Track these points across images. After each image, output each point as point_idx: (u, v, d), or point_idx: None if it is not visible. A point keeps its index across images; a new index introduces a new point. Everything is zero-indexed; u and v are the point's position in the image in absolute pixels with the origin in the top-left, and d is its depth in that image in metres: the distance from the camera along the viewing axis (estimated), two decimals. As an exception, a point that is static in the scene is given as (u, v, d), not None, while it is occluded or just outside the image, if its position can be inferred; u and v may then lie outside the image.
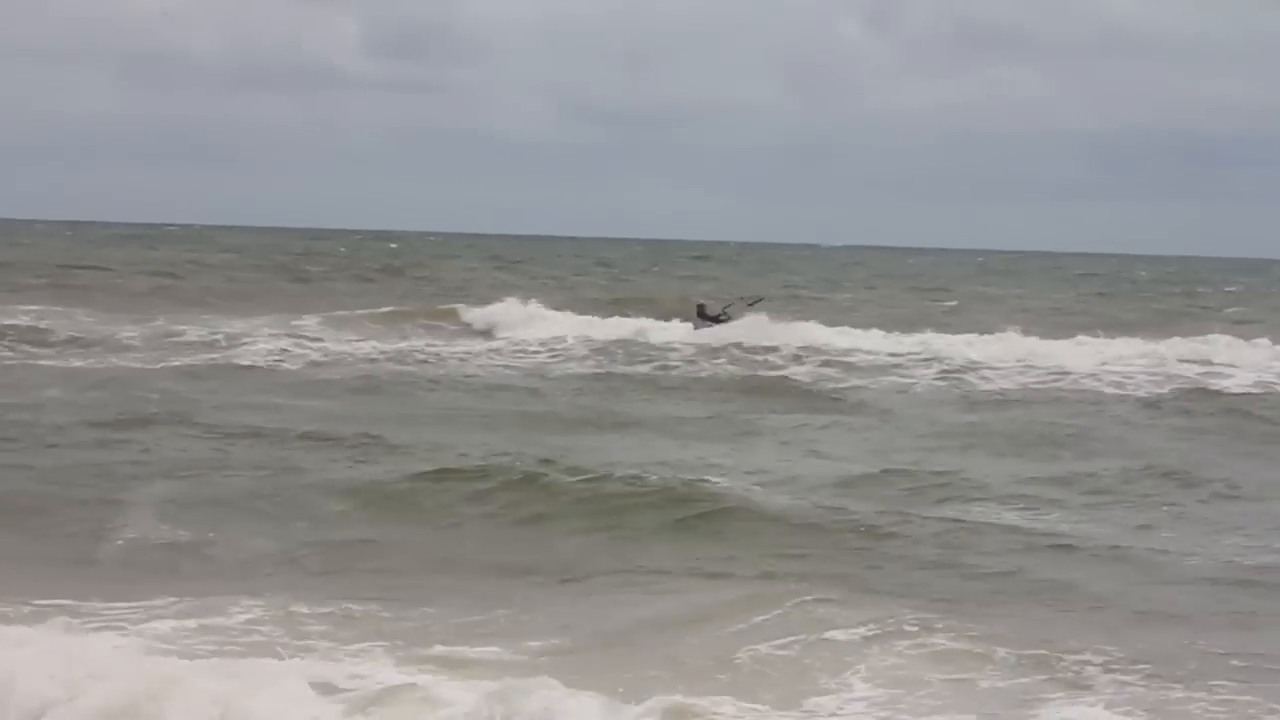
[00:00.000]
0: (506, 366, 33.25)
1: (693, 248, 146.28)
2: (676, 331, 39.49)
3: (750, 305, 40.92)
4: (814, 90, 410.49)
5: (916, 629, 11.64)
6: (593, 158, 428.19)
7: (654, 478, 17.73)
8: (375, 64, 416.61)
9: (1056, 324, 45.43)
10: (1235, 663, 11.34)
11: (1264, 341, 39.78)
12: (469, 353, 35.54)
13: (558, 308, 45.26)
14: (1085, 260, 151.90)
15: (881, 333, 40.36)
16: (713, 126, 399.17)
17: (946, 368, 34.04)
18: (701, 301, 42.33)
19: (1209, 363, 36.17)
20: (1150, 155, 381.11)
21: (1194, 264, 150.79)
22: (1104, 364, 34.91)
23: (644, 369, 33.18)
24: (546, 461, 18.65)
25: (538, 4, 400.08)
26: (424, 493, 17.41)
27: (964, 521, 16.53)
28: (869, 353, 36.55)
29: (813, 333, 39.08)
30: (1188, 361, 36.14)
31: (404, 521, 16.36)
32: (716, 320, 39.57)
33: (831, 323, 41.72)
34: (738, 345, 36.40)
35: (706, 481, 17.83)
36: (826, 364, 34.38)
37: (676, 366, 33.63)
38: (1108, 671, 10.90)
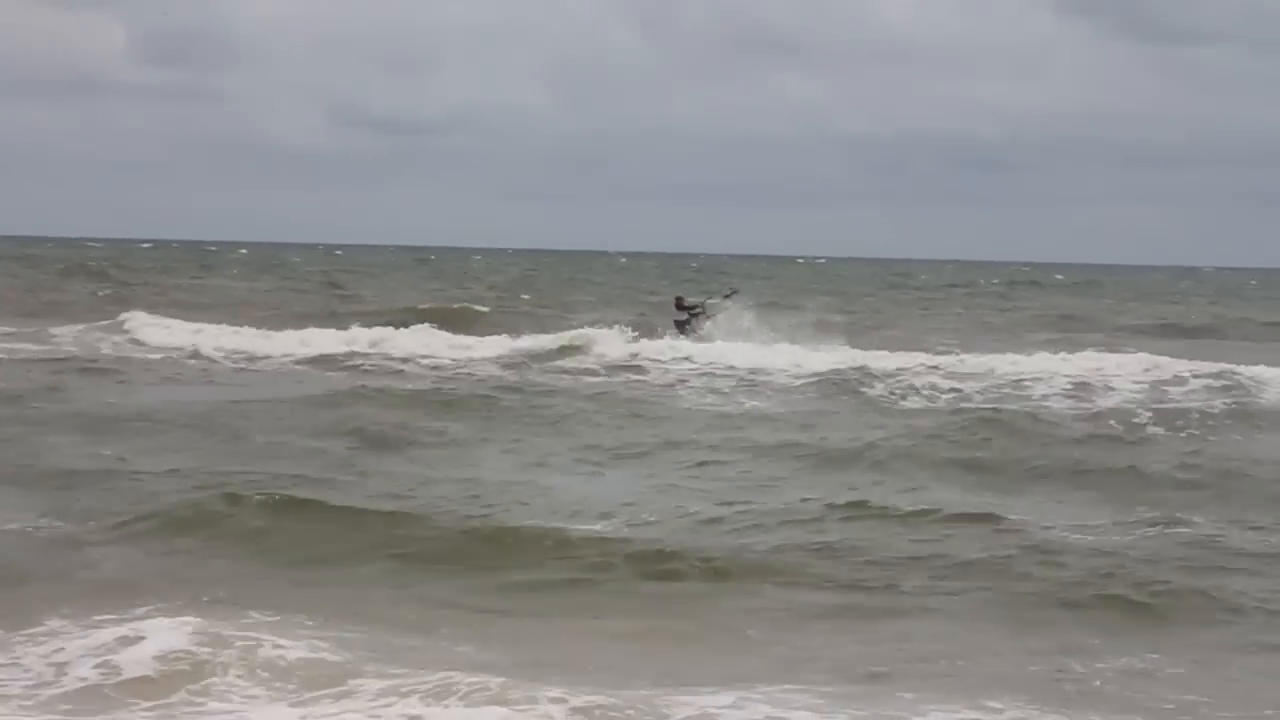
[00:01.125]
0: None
1: (461, 255, 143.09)
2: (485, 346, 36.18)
3: (726, 298, 39.63)
4: (587, 96, 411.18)
5: None
6: (363, 165, 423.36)
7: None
8: (143, 71, 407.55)
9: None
10: None
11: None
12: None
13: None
14: (861, 265, 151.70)
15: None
16: (485, 133, 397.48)
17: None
18: (679, 295, 41.25)
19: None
20: (921, 159, 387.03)
21: (970, 268, 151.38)
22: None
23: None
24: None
25: (307, 11, 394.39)
26: None
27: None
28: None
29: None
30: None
31: None
32: (691, 311, 37.82)
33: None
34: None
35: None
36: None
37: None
38: None
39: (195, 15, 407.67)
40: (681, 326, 37.22)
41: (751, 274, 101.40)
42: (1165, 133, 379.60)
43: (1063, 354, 33.57)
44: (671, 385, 29.32)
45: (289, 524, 14.95)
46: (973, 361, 32.42)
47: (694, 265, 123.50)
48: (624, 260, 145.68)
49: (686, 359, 32.80)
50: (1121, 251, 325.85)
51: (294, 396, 25.13)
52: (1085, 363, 32.07)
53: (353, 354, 33.51)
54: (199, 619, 10.98)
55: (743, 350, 34.04)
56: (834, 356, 33.10)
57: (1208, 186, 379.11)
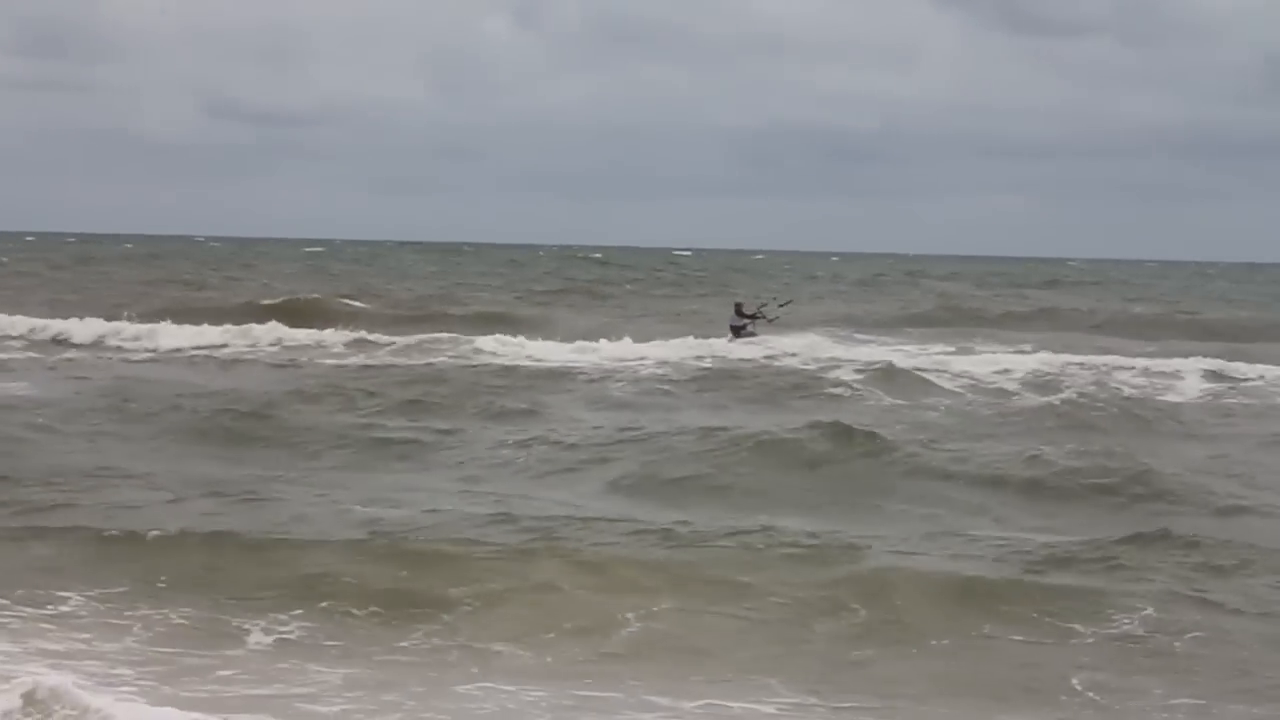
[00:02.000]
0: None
1: (340, 248, 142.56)
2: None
3: (782, 306, 41.38)
4: (462, 88, 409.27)
5: None
6: (239, 157, 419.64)
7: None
8: (12, 62, 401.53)
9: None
10: None
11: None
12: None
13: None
14: (734, 256, 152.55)
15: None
16: (361, 125, 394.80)
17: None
18: (739, 301, 42.38)
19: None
20: (794, 151, 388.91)
21: (851, 260, 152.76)
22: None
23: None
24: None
25: (179, 3, 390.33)
26: None
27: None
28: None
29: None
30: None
31: None
32: (752, 318, 39.78)
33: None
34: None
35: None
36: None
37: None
38: None
39: (66, 7, 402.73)
40: (738, 331, 39.22)
41: (634, 265, 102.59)
42: (1038, 124, 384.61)
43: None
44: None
45: None
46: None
47: (589, 256, 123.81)
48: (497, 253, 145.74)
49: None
50: (995, 243, 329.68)
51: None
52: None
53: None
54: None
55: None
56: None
57: (1079, 178, 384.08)
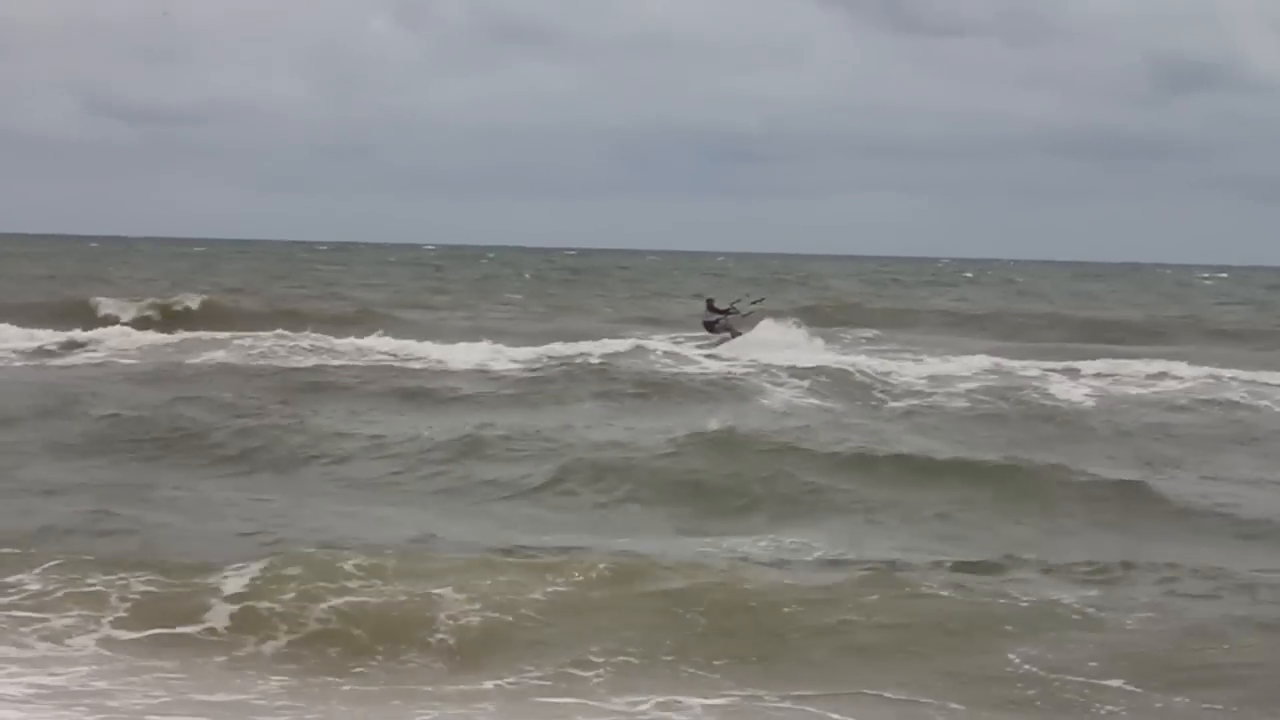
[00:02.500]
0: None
1: (223, 246, 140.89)
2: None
3: (755, 304, 41.39)
4: (346, 87, 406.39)
5: None
6: (121, 155, 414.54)
7: None
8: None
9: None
10: None
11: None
12: None
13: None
14: (621, 255, 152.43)
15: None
16: (244, 125, 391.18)
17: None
18: (710, 297, 42.53)
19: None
20: (678, 151, 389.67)
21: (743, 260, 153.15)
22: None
23: None
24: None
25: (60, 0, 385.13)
26: None
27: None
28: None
29: None
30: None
31: None
32: (725, 314, 40.00)
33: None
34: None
35: None
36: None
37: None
38: None
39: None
40: (710, 326, 39.51)
41: (517, 264, 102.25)
42: (922, 124, 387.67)
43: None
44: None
45: None
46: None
47: (486, 257, 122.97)
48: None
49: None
50: (880, 243, 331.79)
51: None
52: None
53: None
54: None
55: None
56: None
57: (964, 178, 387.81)
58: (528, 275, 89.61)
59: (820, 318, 47.80)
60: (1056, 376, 31.49)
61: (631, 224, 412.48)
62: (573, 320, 48.07)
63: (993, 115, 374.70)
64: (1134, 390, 30.00)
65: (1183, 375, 32.27)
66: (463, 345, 35.58)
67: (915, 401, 27.27)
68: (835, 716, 10.48)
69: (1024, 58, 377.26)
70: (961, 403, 27.06)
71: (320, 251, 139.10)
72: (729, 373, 30.50)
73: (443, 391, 27.78)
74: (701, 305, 41.77)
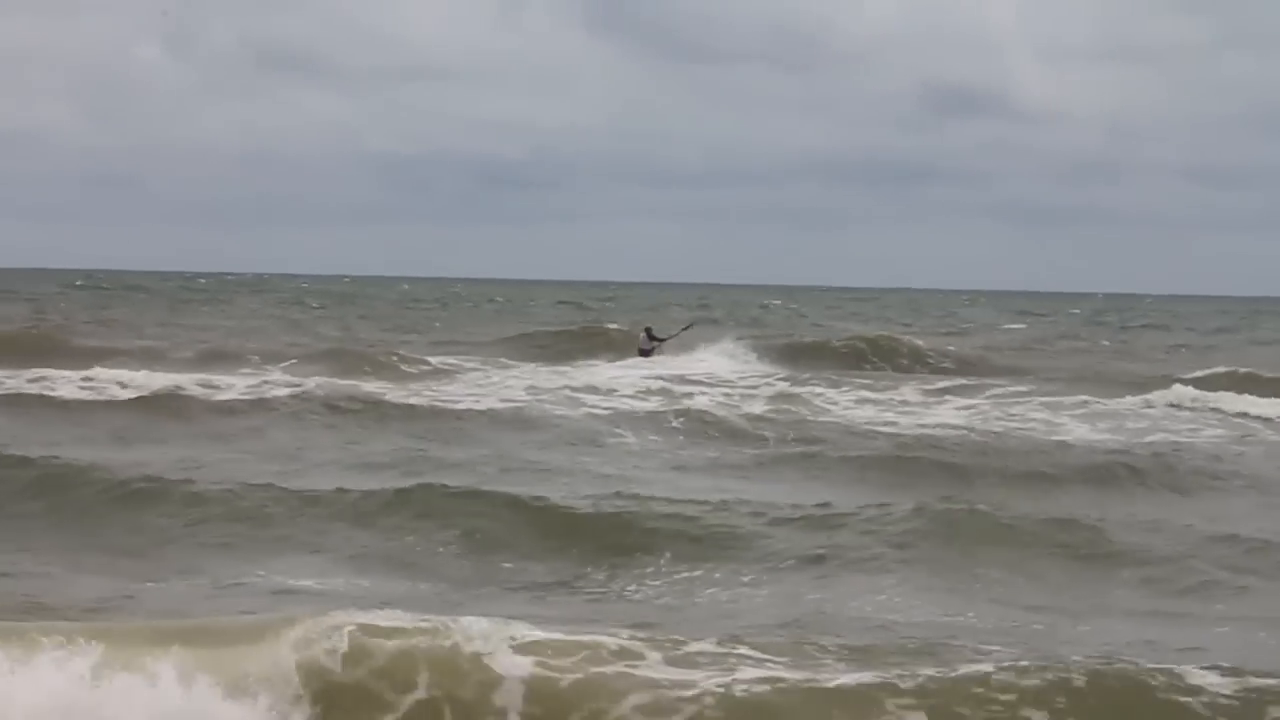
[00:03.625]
0: None
1: None
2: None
3: (684, 329, 42.99)
4: (113, 115, 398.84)
5: None
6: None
7: None
8: None
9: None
10: None
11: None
12: None
13: None
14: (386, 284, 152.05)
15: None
16: (9, 152, 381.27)
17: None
18: (649, 325, 44.32)
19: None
20: (448, 177, 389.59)
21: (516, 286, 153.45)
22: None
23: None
24: None
25: None
26: None
27: None
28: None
29: None
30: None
31: None
32: (662, 341, 41.71)
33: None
34: None
35: None
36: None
37: None
38: None
39: None
40: (646, 354, 41.07)
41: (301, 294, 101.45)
42: (690, 150, 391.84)
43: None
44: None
45: None
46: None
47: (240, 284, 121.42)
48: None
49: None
50: (645, 269, 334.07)
51: None
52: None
53: None
54: None
55: None
56: None
57: (730, 205, 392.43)
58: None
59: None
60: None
61: (400, 250, 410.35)
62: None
63: (763, 141, 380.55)
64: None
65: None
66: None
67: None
68: None
69: (795, 83, 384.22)
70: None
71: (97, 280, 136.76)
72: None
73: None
74: (641, 334, 42.90)
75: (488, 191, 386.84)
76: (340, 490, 17.92)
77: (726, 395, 32.46)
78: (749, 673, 9.68)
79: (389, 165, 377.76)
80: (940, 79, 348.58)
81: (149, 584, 14.22)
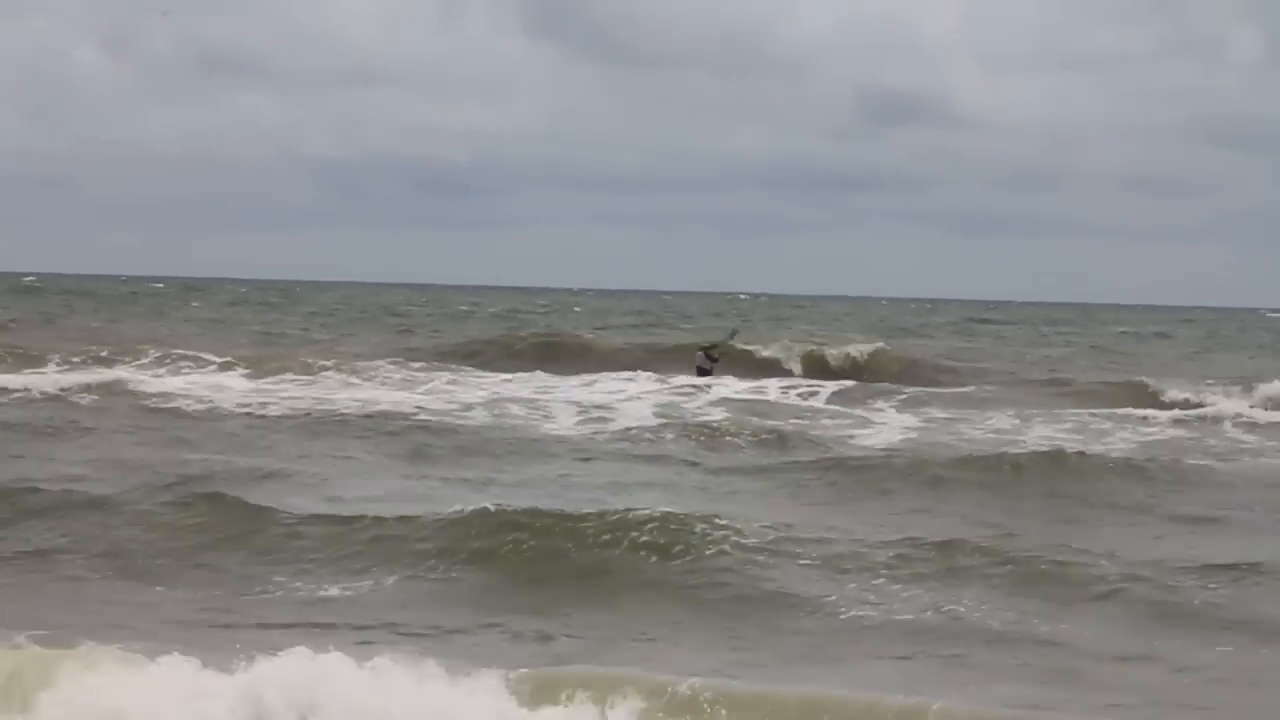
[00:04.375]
0: None
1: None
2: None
3: (730, 339, 41.66)
4: (51, 117, 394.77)
5: None
6: None
7: None
8: None
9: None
10: None
11: None
12: None
13: None
14: (326, 288, 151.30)
15: None
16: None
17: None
18: (705, 345, 41.79)
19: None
20: (388, 182, 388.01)
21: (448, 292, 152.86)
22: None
23: None
24: None
25: None
26: None
27: None
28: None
29: None
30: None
31: None
32: (716, 360, 39.83)
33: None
34: None
35: None
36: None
37: None
38: None
39: None
40: (706, 373, 38.98)
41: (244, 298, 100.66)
42: (629, 156, 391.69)
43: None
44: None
45: None
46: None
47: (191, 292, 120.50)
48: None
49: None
50: (587, 275, 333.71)
51: None
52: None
53: None
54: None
55: None
56: None
57: (670, 210, 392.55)
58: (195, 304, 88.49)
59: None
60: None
61: (338, 255, 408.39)
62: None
63: (704, 147, 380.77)
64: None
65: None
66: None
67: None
68: None
69: (734, 90, 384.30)
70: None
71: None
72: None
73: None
74: (699, 353, 40.75)
75: (427, 196, 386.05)
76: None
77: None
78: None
79: (327, 169, 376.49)
80: (880, 86, 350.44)
81: None
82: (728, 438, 26.55)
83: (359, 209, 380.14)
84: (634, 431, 27.26)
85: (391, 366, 40.14)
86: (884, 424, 30.51)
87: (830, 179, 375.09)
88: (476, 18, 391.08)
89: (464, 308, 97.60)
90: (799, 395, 36.20)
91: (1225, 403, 34.94)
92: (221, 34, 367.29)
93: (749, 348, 45.20)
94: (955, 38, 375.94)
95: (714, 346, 41.15)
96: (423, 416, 28.44)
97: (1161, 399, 36.14)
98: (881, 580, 14.87)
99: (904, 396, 35.69)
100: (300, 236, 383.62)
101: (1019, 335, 79.43)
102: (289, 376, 36.75)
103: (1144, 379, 39.72)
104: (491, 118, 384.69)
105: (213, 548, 16.28)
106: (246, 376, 36.45)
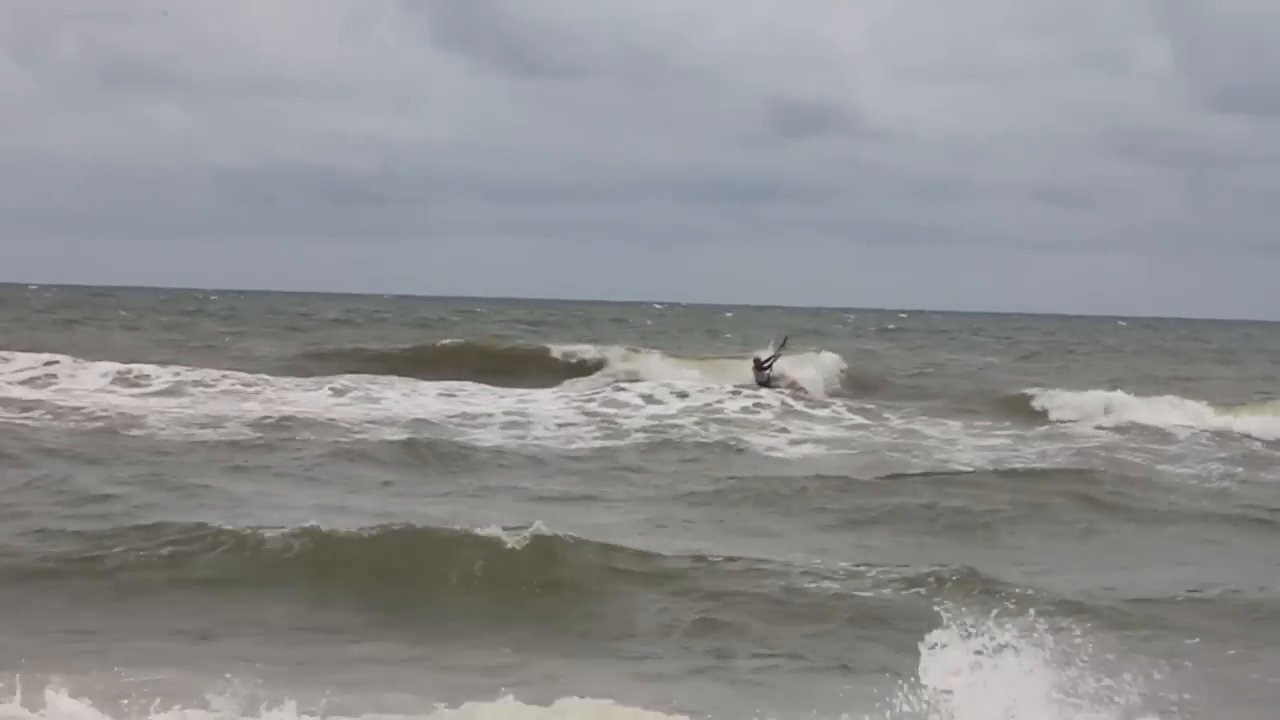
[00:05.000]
0: None
1: None
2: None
3: (782, 346, 41.97)
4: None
5: None
6: None
7: None
8: None
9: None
10: None
11: None
12: None
13: None
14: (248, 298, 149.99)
15: None
16: None
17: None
18: (757, 354, 42.44)
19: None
20: (295, 192, 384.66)
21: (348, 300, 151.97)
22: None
23: None
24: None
25: None
26: None
27: None
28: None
29: None
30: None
31: None
32: (769, 365, 40.83)
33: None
34: None
35: None
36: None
37: None
38: None
39: None
40: (764, 384, 39.78)
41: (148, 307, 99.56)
42: (538, 166, 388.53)
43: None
44: None
45: None
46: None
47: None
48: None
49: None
50: (496, 285, 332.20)
51: None
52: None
53: None
54: None
55: None
56: None
57: (581, 220, 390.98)
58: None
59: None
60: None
61: (245, 264, 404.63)
62: None
63: (611, 157, 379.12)
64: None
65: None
66: None
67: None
68: None
69: (646, 100, 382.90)
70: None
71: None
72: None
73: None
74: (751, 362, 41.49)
75: (335, 205, 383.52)
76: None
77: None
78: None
79: (235, 178, 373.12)
80: (789, 97, 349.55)
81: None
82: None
83: (267, 218, 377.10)
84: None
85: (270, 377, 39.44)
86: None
87: (739, 189, 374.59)
88: (386, 28, 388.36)
89: (335, 317, 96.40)
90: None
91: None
92: (129, 43, 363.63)
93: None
94: (865, 49, 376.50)
95: (773, 358, 41.44)
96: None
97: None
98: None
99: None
100: (208, 245, 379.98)
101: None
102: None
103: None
104: (401, 127, 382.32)
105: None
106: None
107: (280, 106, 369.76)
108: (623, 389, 37.70)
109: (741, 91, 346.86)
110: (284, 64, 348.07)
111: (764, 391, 38.66)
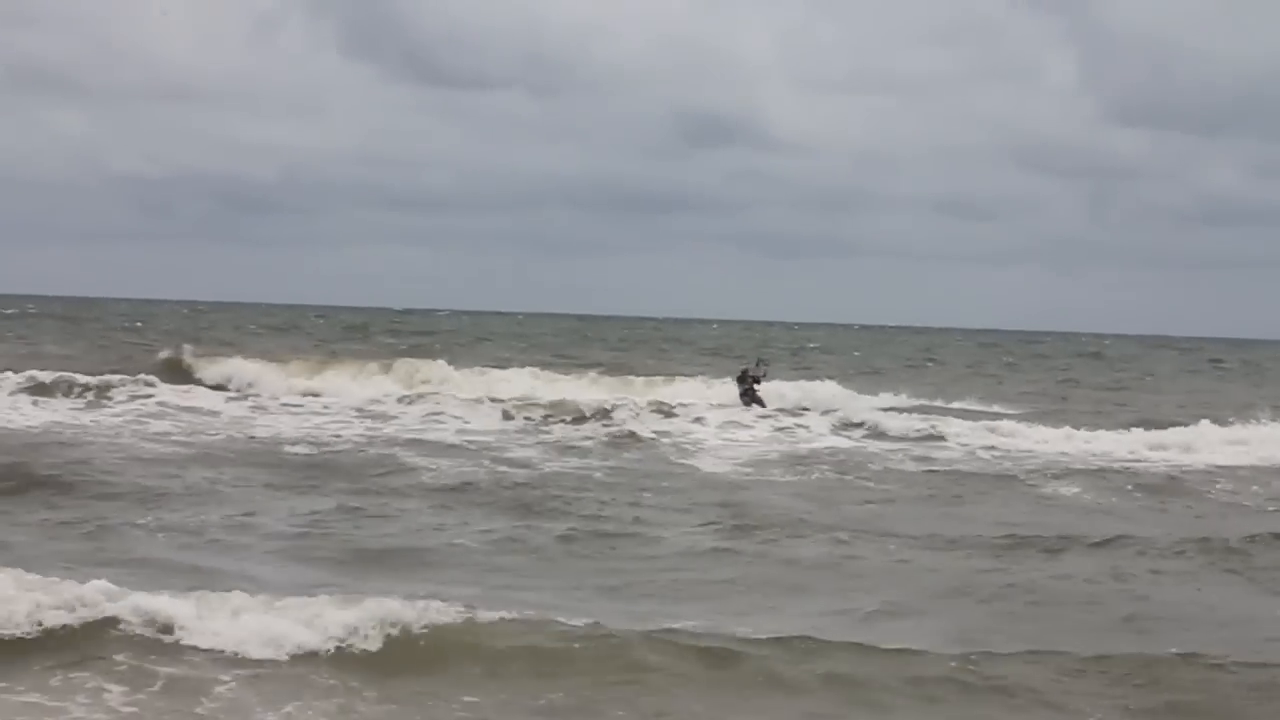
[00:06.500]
0: None
1: None
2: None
3: (757, 366, 42.06)
4: None
5: None
6: None
7: None
8: None
9: None
10: None
11: None
12: None
13: None
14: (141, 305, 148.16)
15: None
16: None
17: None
18: (745, 368, 42.31)
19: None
20: (195, 200, 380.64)
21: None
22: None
23: None
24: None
25: None
26: None
27: None
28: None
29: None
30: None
31: None
32: (757, 383, 40.62)
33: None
34: None
35: None
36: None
37: None
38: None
39: None
40: (750, 399, 39.72)
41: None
42: (438, 176, 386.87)
43: None
44: None
45: None
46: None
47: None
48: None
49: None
50: (395, 295, 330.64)
51: None
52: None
53: None
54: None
55: None
56: None
57: (482, 231, 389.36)
58: None
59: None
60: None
61: (143, 272, 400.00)
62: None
63: (512, 167, 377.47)
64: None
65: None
66: None
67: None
68: None
69: (549, 110, 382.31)
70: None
71: None
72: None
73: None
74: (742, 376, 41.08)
75: (235, 214, 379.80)
76: None
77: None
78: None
79: (137, 186, 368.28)
80: (693, 108, 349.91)
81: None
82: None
83: (166, 226, 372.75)
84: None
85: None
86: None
87: (642, 200, 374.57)
88: (292, 36, 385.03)
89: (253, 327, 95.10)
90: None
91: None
92: (31, 48, 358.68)
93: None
94: (769, 60, 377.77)
95: (757, 371, 41.47)
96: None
97: None
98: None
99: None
100: (107, 252, 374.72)
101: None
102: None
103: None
104: (304, 136, 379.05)
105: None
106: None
107: (183, 114, 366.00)
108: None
109: (647, 102, 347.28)
110: (188, 71, 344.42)
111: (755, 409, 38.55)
